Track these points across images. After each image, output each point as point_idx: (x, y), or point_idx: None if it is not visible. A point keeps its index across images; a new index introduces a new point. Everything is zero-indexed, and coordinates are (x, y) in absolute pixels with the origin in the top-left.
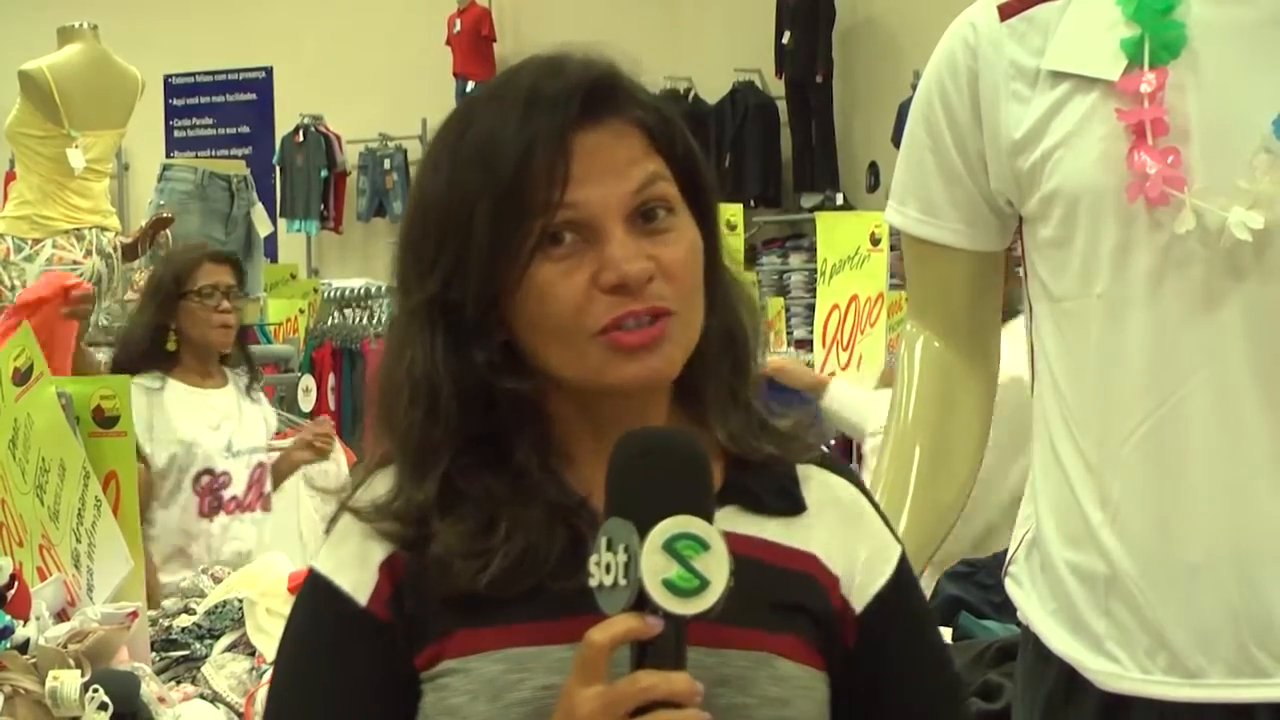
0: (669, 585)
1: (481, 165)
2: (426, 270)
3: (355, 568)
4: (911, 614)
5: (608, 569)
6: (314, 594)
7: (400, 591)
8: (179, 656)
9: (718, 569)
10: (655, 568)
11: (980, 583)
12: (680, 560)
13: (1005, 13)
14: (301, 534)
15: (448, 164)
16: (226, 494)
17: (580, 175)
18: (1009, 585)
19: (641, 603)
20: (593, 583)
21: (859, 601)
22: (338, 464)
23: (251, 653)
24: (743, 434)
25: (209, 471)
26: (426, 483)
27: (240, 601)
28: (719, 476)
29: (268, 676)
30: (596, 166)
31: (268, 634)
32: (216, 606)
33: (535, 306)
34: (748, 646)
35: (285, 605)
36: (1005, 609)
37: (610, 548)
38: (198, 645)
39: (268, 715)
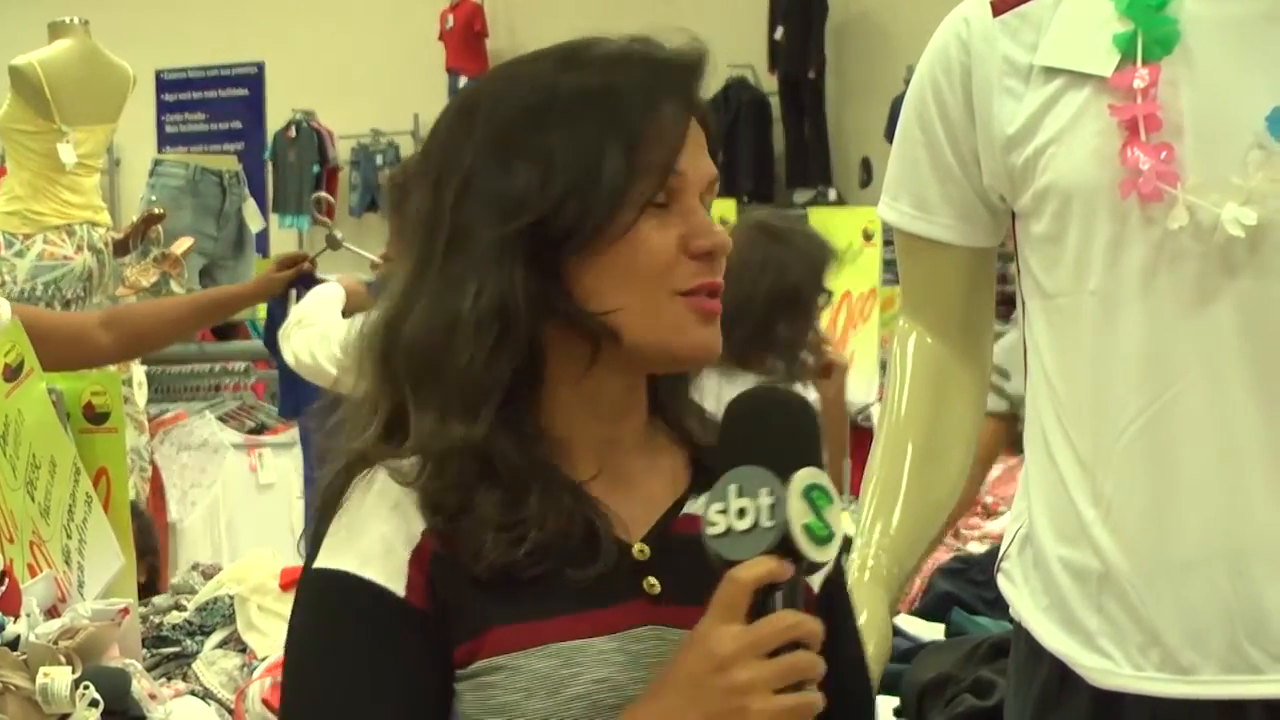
0: (808, 531)
1: (605, 110)
2: (512, 204)
3: (382, 559)
4: (847, 595)
5: (741, 513)
6: (339, 594)
7: (432, 582)
8: (170, 653)
9: (838, 523)
10: (797, 512)
11: (973, 579)
12: (815, 509)
13: (998, 8)
14: (293, 529)
15: (544, 104)
16: None
17: (687, 145)
18: (1001, 581)
19: (777, 547)
20: (714, 530)
21: (816, 583)
22: None
23: (242, 649)
24: (700, 425)
25: None
26: (481, 417)
27: (231, 598)
28: (686, 467)
29: (258, 672)
30: (694, 141)
31: (259, 630)
32: (207, 603)
33: (629, 257)
34: None
35: (276, 602)
36: (998, 605)
37: (744, 494)
38: (188, 642)
39: None
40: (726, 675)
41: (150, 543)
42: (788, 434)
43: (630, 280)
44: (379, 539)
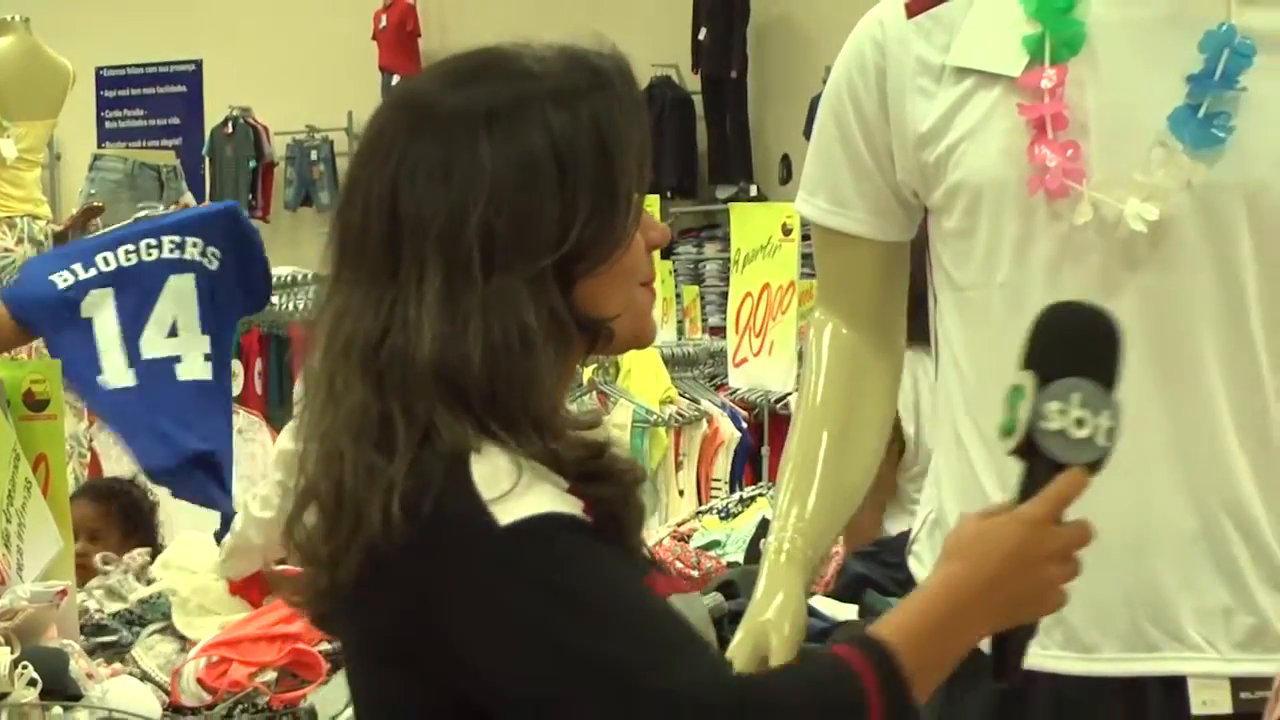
0: None
1: (614, 127)
2: (552, 230)
3: (567, 503)
4: None
5: (1079, 423)
6: (564, 527)
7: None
8: (108, 642)
9: None
10: None
11: (884, 561)
12: None
13: (912, 10)
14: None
15: (556, 125)
16: None
17: None
18: (912, 563)
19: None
20: (1050, 426)
21: None
22: (263, 446)
23: (181, 636)
24: None
25: None
26: (569, 429)
27: (172, 596)
28: None
29: (193, 653)
30: None
31: (197, 627)
32: (150, 597)
33: (625, 263)
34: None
35: (218, 604)
36: (909, 586)
37: (1087, 406)
38: (125, 632)
39: (639, 638)
40: (1048, 567)
41: (145, 519)
42: (1111, 352)
43: (623, 282)
44: (550, 488)
